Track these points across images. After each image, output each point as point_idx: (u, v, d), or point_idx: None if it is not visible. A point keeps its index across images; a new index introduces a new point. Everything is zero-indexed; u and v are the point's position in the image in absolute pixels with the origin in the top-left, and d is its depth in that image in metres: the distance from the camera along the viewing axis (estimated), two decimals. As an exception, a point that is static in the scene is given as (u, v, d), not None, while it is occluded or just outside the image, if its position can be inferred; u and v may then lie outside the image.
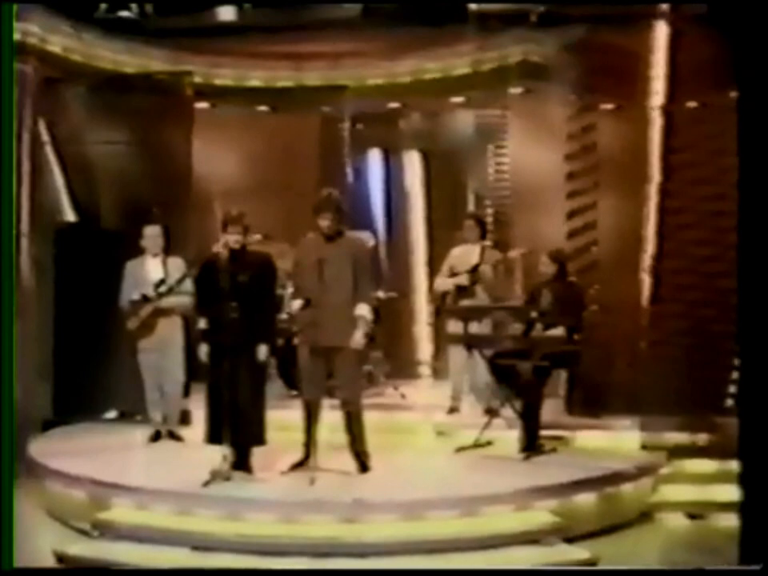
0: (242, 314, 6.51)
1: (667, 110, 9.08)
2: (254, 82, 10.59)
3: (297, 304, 6.65)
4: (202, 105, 10.34)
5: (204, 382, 6.77)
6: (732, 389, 8.40)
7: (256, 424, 6.63)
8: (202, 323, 6.72)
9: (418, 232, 11.54)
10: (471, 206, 10.96)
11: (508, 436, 7.58)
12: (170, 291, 7.71)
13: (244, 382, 6.54)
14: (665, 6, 9.07)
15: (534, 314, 7.63)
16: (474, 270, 8.51)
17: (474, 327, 8.01)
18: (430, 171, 11.55)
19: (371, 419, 6.99)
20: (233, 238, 6.63)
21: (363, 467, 6.77)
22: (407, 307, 11.24)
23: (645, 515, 6.96)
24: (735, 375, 7.91)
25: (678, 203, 8.99)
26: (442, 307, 8.74)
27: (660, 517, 7.00)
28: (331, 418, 6.86)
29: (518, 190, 10.01)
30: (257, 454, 6.72)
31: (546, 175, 9.46)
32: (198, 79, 9.93)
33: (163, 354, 7.87)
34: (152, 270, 7.89)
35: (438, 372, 10.51)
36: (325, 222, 6.69)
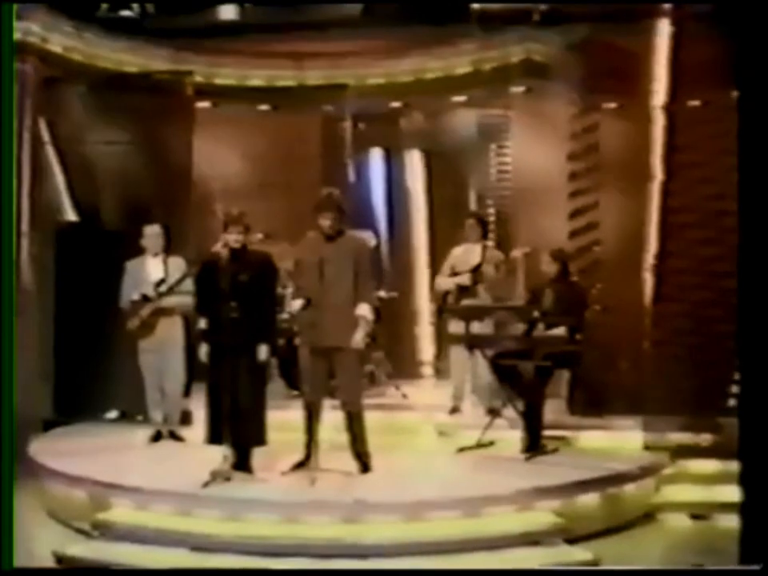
0: (242, 313, 6.49)
1: (670, 110, 9.05)
2: (255, 81, 10.61)
3: (297, 304, 6.63)
4: (203, 104, 10.35)
5: (204, 382, 6.74)
6: (735, 389, 8.37)
7: (257, 424, 6.61)
8: (203, 323, 6.69)
9: (419, 231, 11.51)
10: (473, 206, 10.94)
11: (510, 436, 7.56)
12: (171, 291, 7.70)
13: (244, 382, 6.51)
14: (667, 5, 9.05)
15: (535, 314, 7.59)
16: (475, 270, 8.50)
17: (476, 327, 7.97)
18: (431, 170, 11.52)
19: (373, 419, 6.96)
20: (233, 238, 6.61)
21: (364, 467, 6.74)
22: (408, 307, 11.22)
23: (648, 516, 6.92)
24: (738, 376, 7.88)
25: (680, 202, 8.97)
26: (443, 307, 8.73)
27: (663, 517, 6.96)
28: (332, 418, 6.85)
29: (520, 190, 10.00)
30: (257, 455, 6.69)
31: (548, 174, 9.46)
32: (199, 78, 9.96)
33: (164, 353, 7.85)
34: (152, 269, 7.87)
35: (440, 372, 10.49)
36: (326, 222, 6.67)
